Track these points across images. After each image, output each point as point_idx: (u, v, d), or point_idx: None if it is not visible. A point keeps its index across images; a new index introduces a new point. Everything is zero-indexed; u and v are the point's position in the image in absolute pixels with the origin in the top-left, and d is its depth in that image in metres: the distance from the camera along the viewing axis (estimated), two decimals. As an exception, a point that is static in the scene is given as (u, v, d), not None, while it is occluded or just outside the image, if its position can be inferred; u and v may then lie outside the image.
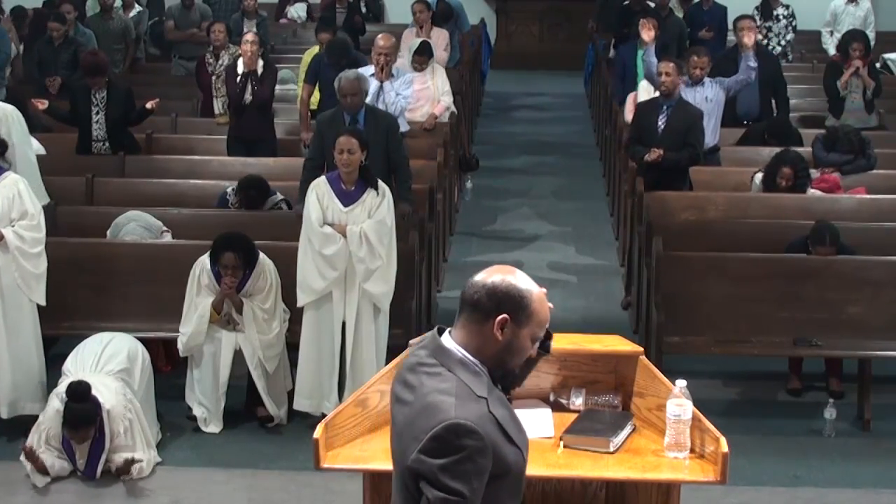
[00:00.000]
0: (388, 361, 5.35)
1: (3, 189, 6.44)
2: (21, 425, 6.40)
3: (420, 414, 2.90)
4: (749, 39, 8.86)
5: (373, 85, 8.30)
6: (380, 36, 8.83)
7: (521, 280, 2.98)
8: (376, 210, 6.47)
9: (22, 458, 6.03)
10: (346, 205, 6.48)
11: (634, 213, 8.36)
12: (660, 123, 8.25)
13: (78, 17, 12.01)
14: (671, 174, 8.28)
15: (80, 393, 5.85)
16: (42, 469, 5.98)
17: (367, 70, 8.53)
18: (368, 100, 8.02)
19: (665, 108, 8.26)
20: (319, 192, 6.52)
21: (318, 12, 13.30)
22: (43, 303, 6.55)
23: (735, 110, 9.56)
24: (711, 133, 8.76)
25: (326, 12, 12.66)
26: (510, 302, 2.93)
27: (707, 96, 8.72)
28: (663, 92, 8.26)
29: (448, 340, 3.00)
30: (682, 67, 8.42)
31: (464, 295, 2.98)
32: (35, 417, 6.21)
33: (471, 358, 2.96)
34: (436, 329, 3.07)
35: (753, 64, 8.81)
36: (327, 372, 6.56)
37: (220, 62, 10.07)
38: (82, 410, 5.87)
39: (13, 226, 6.42)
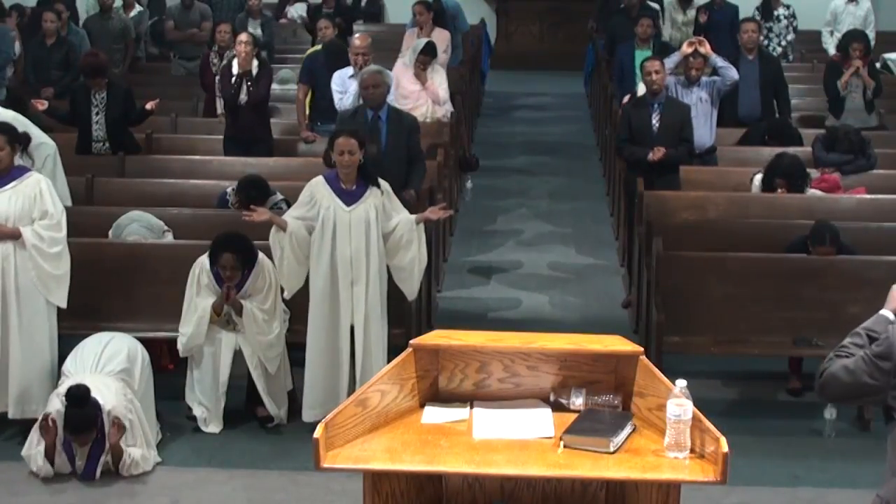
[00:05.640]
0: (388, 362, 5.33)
1: (25, 188, 6.43)
2: (21, 425, 6.40)
3: None
4: (703, 49, 8.75)
5: (352, 85, 8.43)
6: (356, 36, 8.91)
7: None
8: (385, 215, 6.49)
9: (34, 431, 5.99)
10: (348, 204, 6.44)
11: (634, 213, 8.36)
12: (654, 122, 8.28)
13: (70, 17, 11.99)
14: (668, 172, 8.30)
15: (79, 398, 5.84)
16: (50, 452, 5.93)
17: (348, 72, 8.63)
18: (349, 101, 8.05)
19: (656, 106, 8.31)
20: (318, 193, 6.49)
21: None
22: (63, 305, 6.51)
23: (737, 112, 9.56)
24: (708, 133, 8.78)
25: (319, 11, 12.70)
26: None
27: (701, 97, 8.73)
28: (654, 90, 8.29)
29: None
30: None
31: None
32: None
33: None
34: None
35: (721, 63, 8.78)
36: (338, 376, 6.49)
37: (223, 62, 10.07)
38: (82, 415, 5.86)
39: (33, 225, 6.41)
